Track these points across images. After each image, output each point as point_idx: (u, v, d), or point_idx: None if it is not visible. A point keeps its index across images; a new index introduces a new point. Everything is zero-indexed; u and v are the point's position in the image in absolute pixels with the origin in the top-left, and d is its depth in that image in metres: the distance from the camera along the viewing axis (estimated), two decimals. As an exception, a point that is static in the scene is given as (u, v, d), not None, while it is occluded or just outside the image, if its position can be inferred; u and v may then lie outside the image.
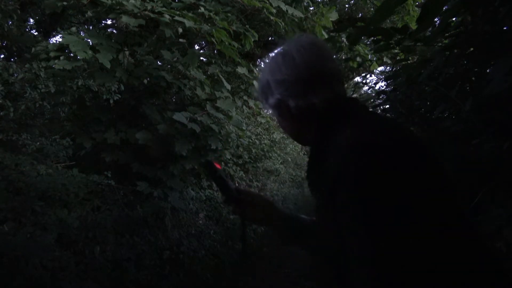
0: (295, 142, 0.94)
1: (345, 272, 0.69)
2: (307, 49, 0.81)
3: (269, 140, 7.16)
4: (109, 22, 5.51)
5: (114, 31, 4.46)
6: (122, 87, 3.59)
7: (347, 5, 9.59)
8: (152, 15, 3.39)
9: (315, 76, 0.80)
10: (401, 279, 0.58)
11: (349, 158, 0.65)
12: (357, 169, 0.63)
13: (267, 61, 0.86)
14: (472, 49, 1.88)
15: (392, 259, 0.59)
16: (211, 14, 3.71)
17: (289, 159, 9.15)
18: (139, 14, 3.37)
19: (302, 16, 5.02)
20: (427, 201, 0.63)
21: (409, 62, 2.74)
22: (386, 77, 4.00)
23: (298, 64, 0.80)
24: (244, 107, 5.55)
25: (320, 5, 6.24)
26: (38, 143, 3.20)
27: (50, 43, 3.92)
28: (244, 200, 0.99)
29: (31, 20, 6.19)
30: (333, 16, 5.49)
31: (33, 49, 3.49)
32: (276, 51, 0.86)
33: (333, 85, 0.81)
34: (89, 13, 3.67)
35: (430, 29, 2.04)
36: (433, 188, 0.65)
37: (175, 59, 4.13)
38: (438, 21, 1.88)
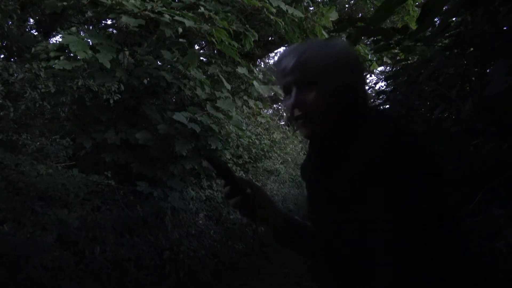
0: (299, 137, 0.91)
1: (355, 270, 0.73)
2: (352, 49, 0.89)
3: (269, 140, 7.15)
4: (109, 22, 5.51)
5: (114, 31, 4.46)
6: (122, 87, 3.59)
7: (347, 5, 9.59)
8: (152, 15, 3.39)
9: (360, 73, 0.87)
10: (423, 273, 0.63)
11: (389, 151, 0.70)
12: (398, 161, 0.68)
13: (336, 43, 0.81)
14: (472, 49, 1.88)
15: (420, 249, 0.64)
16: (211, 14, 3.72)
17: (289, 159, 9.14)
18: (139, 14, 3.38)
19: (302, 16, 5.02)
20: (441, 195, 0.69)
21: (409, 62, 2.73)
22: (386, 77, 4.00)
23: (351, 57, 0.86)
24: (244, 107, 5.55)
25: (320, 5, 6.24)
26: (38, 143, 3.20)
27: (50, 43, 3.92)
28: (248, 192, 0.92)
29: (31, 20, 6.18)
30: (333, 16, 5.50)
31: (33, 49, 3.48)
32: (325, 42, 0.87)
33: (364, 87, 0.89)
34: (89, 13, 3.68)
35: (430, 29, 2.04)
36: (443, 184, 0.72)
37: (175, 59, 4.13)
38: (438, 21, 1.88)
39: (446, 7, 1.59)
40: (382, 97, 3.52)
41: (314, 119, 0.83)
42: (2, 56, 4.30)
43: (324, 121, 0.83)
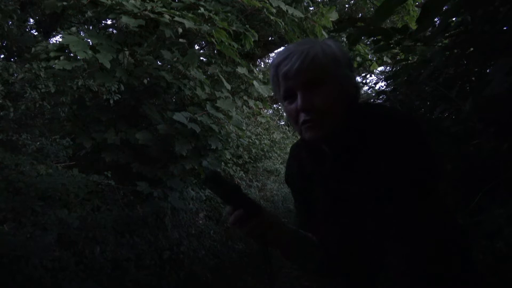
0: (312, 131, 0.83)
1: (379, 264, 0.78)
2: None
3: (269, 140, 7.16)
4: (109, 22, 5.50)
5: (114, 31, 4.46)
6: (122, 87, 3.59)
7: (347, 5, 9.58)
8: (152, 15, 3.39)
9: (354, 69, 0.93)
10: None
11: (409, 133, 0.78)
12: (421, 140, 0.79)
13: (329, 42, 0.80)
14: (472, 49, 1.88)
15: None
16: (211, 14, 3.71)
17: (289, 159, 9.13)
18: (139, 14, 3.38)
19: (302, 16, 5.02)
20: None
21: (409, 62, 2.73)
22: (386, 77, 3.99)
23: (347, 53, 0.89)
24: (244, 107, 5.55)
25: (320, 5, 6.24)
26: (38, 143, 3.19)
27: (50, 43, 3.92)
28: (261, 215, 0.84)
29: (31, 20, 6.18)
30: (333, 16, 5.50)
31: (33, 49, 3.48)
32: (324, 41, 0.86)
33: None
34: (89, 13, 3.68)
35: (430, 29, 2.04)
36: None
37: (175, 59, 4.12)
38: (438, 21, 1.88)
39: (446, 7, 1.59)
40: (382, 97, 3.52)
41: (324, 120, 0.81)
42: (2, 56, 4.30)
43: (334, 120, 0.81)
